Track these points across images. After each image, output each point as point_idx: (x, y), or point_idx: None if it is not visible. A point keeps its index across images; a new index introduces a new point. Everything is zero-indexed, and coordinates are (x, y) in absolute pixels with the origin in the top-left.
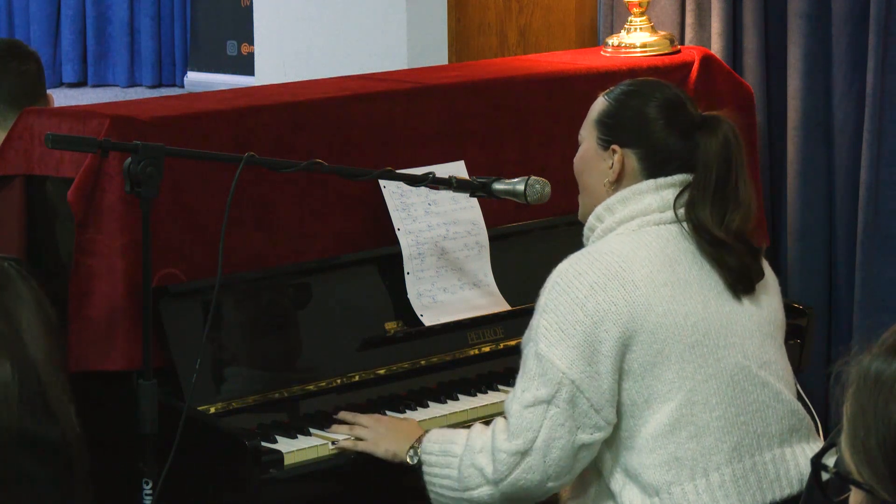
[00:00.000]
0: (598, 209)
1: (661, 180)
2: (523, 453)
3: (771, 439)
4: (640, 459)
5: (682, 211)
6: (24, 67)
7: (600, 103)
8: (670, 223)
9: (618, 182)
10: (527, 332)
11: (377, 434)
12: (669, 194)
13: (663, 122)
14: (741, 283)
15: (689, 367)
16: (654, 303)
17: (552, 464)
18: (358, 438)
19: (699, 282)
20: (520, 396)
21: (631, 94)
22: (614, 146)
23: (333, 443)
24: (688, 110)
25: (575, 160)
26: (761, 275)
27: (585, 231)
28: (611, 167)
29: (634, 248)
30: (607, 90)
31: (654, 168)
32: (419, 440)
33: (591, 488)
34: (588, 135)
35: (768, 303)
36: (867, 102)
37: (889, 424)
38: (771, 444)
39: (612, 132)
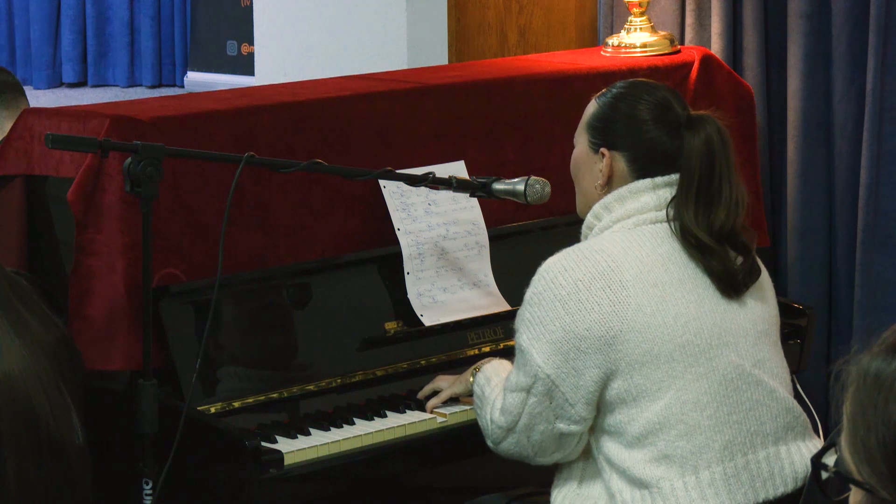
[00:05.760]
0: (596, 207)
1: (659, 179)
2: (509, 429)
3: (765, 438)
4: (629, 455)
5: (670, 212)
6: None
7: (591, 106)
8: (665, 222)
9: (608, 185)
10: (516, 318)
11: (449, 383)
12: (666, 193)
13: (650, 123)
14: (727, 287)
15: (679, 366)
16: (642, 303)
17: (535, 444)
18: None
19: (693, 280)
20: (509, 378)
21: (618, 97)
22: (603, 149)
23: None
24: (674, 111)
25: (571, 162)
26: (755, 275)
27: (583, 229)
28: (601, 170)
29: (626, 247)
30: (599, 93)
31: (642, 170)
32: (477, 368)
33: (578, 466)
34: (580, 138)
35: (763, 299)
36: (867, 102)
37: (889, 424)
38: (765, 442)
39: (601, 135)
